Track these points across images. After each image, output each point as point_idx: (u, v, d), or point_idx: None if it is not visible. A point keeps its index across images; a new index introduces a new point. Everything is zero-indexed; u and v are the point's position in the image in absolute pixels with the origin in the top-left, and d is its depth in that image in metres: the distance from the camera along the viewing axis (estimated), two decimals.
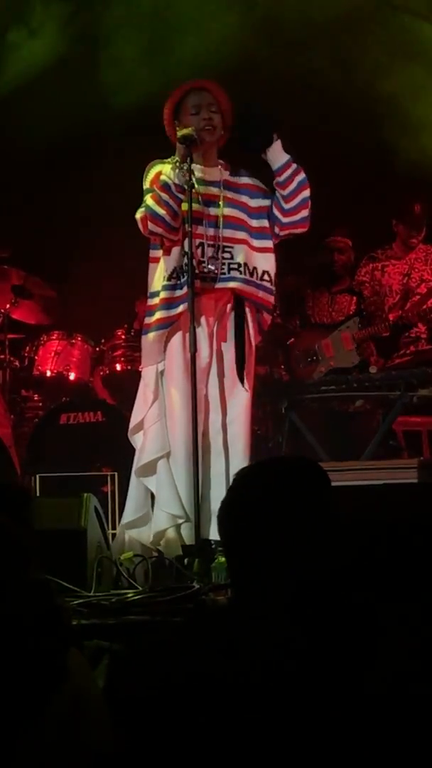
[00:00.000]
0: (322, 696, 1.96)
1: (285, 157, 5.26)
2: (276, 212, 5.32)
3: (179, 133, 5.13)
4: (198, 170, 5.24)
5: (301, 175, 5.28)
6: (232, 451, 5.22)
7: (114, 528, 5.89)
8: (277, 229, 5.34)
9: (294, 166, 5.27)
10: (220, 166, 5.39)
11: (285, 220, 5.31)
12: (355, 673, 1.98)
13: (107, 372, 8.02)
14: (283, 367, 7.81)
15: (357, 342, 7.44)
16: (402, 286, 7.71)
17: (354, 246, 7.94)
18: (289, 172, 5.26)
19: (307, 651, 1.97)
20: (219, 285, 5.25)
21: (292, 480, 2.26)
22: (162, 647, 2.26)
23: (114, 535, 5.67)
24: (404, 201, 7.67)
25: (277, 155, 5.25)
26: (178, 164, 5.10)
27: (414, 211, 7.62)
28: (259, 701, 1.99)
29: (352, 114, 8.08)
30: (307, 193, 5.29)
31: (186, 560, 4.83)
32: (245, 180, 5.40)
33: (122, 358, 7.97)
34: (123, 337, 8.01)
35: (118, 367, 7.98)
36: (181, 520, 5.08)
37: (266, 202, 5.34)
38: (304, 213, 5.32)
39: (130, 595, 4.36)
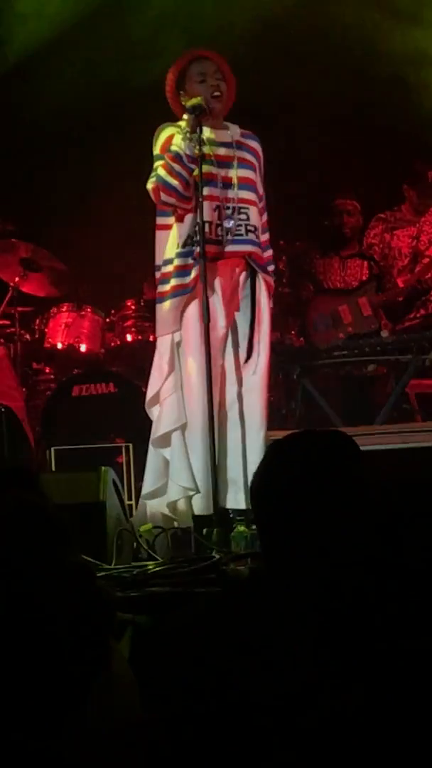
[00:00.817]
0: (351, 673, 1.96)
1: None
2: None
3: (188, 103, 5.10)
4: (208, 131, 5.22)
5: None
6: (249, 421, 5.22)
7: (130, 499, 5.90)
8: None
9: None
10: (229, 129, 5.36)
11: None
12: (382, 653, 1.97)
13: (118, 343, 8.01)
14: (294, 333, 7.80)
15: (374, 308, 7.42)
16: (411, 249, 7.68)
17: (362, 207, 7.92)
18: None
19: (337, 629, 1.97)
20: (235, 248, 5.23)
21: (329, 455, 2.24)
22: (187, 621, 2.25)
23: (131, 506, 5.68)
24: (417, 167, 7.63)
25: None
26: (188, 135, 5.07)
27: (427, 177, 7.58)
28: (285, 677, 1.99)
29: (363, 75, 8.02)
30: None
31: (205, 530, 4.84)
32: (253, 143, 5.40)
33: (133, 329, 7.95)
34: (133, 307, 8.00)
35: (129, 337, 7.97)
36: (191, 492, 5.09)
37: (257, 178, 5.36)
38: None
39: (150, 567, 4.37)
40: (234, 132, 5.36)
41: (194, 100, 5.08)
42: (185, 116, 5.13)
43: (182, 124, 5.17)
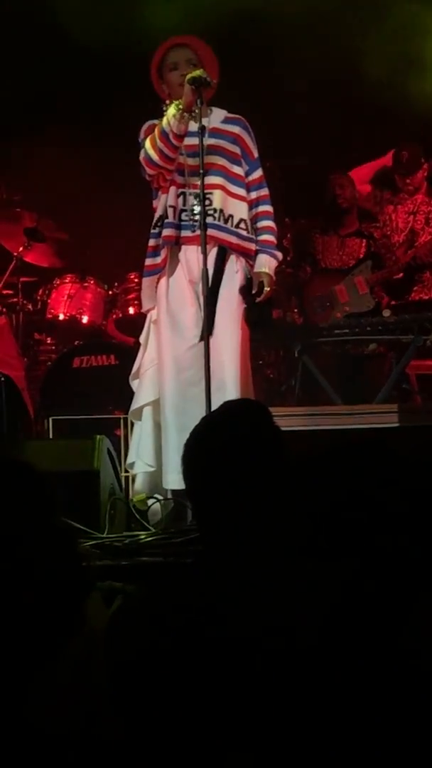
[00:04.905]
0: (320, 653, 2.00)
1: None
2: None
3: (189, 75, 5.08)
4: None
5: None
6: (215, 399, 5.00)
7: (127, 471, 5.92)
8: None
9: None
10: (210, 114, 5.33)
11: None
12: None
13: (120, 315, 8.00)
14: (296, 311, 7.82)
15: (370, 285, 7.42)
16: (406, 225, 7.70)
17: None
18: None
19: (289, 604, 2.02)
20: (196, 233, 5.21)
21: (236, 428, 2.31)
22: (167, 590, 2.27)
23: (127, 478, 5.71)
24: (396, 150, 7.75)
25: None
26: (181, 110, 5.08)
27: (402, 158, 7.69)
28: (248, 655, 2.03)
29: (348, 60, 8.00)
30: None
31: None
32: (236, 129, 5.39)
33: (135, 302, 7.91)
34: (136, 280, 7.98)
35: (131, 310, 7.95)
36: (151, 468, 5.20)
37: (244, 167, 5.36)
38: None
39: (142, 537, 4.39)
40: (213, 119, 5.33)
41: (195, 72, 5.08)
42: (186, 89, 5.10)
43: (171, 109, 5.15)
